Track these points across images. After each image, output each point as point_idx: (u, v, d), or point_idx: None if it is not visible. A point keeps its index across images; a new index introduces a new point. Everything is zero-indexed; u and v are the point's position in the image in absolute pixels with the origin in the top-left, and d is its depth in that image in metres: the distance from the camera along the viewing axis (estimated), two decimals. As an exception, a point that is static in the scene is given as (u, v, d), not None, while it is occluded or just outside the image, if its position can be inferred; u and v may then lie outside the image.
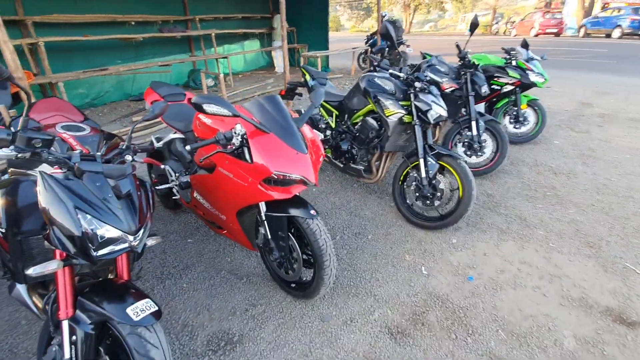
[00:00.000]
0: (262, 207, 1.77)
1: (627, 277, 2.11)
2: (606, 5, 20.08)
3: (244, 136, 1.64)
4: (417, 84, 2.39)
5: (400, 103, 2.51)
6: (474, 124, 3.29)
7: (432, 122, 2.41)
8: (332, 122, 3.06)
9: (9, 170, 1.40)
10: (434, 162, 2.43)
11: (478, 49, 15.93)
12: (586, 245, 2.41)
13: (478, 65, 3.30)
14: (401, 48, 10.08)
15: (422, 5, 33.80)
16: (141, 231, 1.23)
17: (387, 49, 9.99)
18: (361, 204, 3.01)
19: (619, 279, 2.10)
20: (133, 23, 6.85)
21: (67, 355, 1.16)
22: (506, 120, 4.33)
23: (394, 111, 2.48)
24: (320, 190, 3.25)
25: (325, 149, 3.08)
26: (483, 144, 3.35)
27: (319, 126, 3.17)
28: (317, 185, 1.79)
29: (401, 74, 2.44)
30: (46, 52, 5.40)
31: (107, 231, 1.14)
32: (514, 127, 4.31)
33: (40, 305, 1.43)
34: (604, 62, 10.68)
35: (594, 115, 5.42)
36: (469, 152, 3.39)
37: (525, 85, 4.08)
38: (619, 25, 17.00)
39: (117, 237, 1.16)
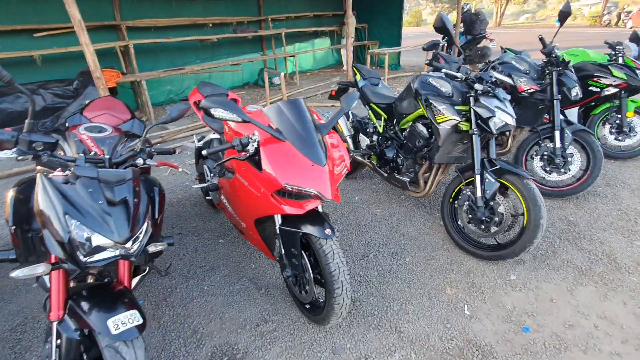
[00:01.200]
0: (277, 219, 1.63)
1: None
2: None
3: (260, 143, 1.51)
4: (478, 86, 2.01)
5: (458, 108, 2.14)
6: (557, 133, 2.70)
7: (494, 132, 2.01)
8: (380, 126, 2.79)
9: (37, 169, 1.48)
10: (492, 180, 2.02)
11: (582, 43, 13.85)
12: None
13: (568, 62, 2.69)
14: (483, 43, 9.13)
15: (518, -5, 30.23)
16: (133, 240, 1.18)
17: (466, 43, 9.12)
18: (406, 219, 2.69)
19: None
20: (211, 25, 7.29)
21: (53, 357, 1.16)
22: (606, 129, 3.54)
23: (447, 117, 2.13)
24: (363, 200, 3.00)
25: (370, 155, 2.84)
26: (569, 159, 2.74)
27: (367, 130, 2.92)
28: (338, 200, 1.58)
29: (458, 74, 2.07)
30: (135, 53, 6.04)
31: (96, 238, 1.11)
32: (616, 139, 3.49)
33: None
34: None
35: None
36: (548, 168, 2.81)
37: (633, 88, 3.28)
38: None
39: (106, 245, 1.13)
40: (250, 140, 1.53)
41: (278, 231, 1.63)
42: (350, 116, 3.10)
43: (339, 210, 2.85)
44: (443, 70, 2.15)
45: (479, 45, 8.91)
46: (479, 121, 2.06)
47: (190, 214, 2.88)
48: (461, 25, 9.13)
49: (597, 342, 1.63)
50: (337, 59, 10.85)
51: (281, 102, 1.61)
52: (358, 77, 3.03)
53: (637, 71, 3.23)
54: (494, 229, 2.07)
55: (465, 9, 9.14)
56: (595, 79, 3.46)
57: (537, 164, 2.87)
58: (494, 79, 2.08)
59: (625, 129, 3.41)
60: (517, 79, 2.84)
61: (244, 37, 7.67)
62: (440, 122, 2.17)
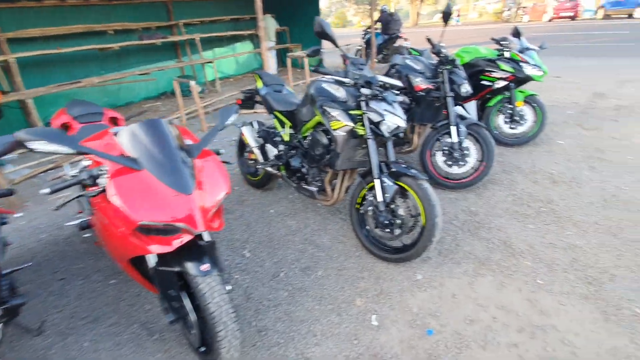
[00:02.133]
0: (150, 257, 1.41)
1: (635, 330, 1.63)
2: (627, -16, 18.75)
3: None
4: (365, 91, 1.97)
5: (353, 113, 2.09)
6: (453, 129, 2.83)
7: (386, 135, 1.99)
8: (286, 134, 2.67)
9: None
10: (390, 184, 2.01)
11: (484, 39, 15.22)
12: (584, 282, 1.93)
13: (454, 60, 2.82)
14: (399, 42, 9.58)
15: (430, -5, 32.59)
16: None
17: (384, 42, 9.50)
18: (321, 228, 2.61)
19: (625, 333, 1.63)
20: (112, 32, 6.62)
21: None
22: (500, 119, 3.83)
23: (341, 123, 2.07)
24: (279, 212, 2.87)
25: (279, 165, 2.71)
26: (465, 152, 2.88)
27: (274, 139, 2.78)
28: (218, 229, 1.42)
29: (346, 79, 2.03)
30: (22, 67, 5.24)
31: None
32: (510, 128, 3.80)
33: None
34: (625, 45, 9.84)
35: (608, 109, 4.81)
36: (449, 162, 2.93)
37: (520, 79, 3.58)
38: (642, 4, 15.81)
39: None
40: (100, 171, 1.30)
41: (153, 271, 1.42)
42: (256, 125, 2.94)
43: (253, 227, 2.68)
44: (329, 76, 2.08)
45: (395, 45, 9.32)
46: (371, 125, 2.03)
47: (78, 252, 2.49)
48: (379, 25, 9.52)
49: (496, 335, 1.68)
50: (261, 63, 10.61)
51: (136, 125, 1.39)
52: (259, 84, 2.88)
53: (522, 64, 3.53)
54: (397, 231, 2.06)
55: (383, 10, 9.54)
56: (487, 74, 3.72)
57: (440, 159, 2.97)
58: (381, 82, 2.06)
59: (517, 118, 3.72)
60: (413, 79, 2.92)
61: (152, 44, 7.08)
62: (335, 129, 2.10)
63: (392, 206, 2.05)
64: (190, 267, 1.33)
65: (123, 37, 6.89)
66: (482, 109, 3.98)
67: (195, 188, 1.31)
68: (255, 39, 10.15)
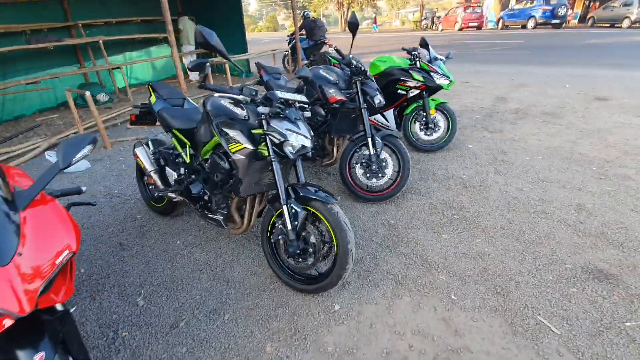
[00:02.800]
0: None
1: (540, 341, 1.67)
2: (520, -2, 21.47)
3: None
4: (263, 109, 1.77)
5: (255, 132, 1.88)
6: (369, 141, 2.77)
7: (291, 156, 1.81)
8: (186, 155, 2.36)
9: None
10: (299, 210, 1.83)
11: (413, 44, 16.14)
12: (493, 292, 1.96)
13: (365, 71, 2.77)
14: (325, 48, 9.65)
15: (355, 3, 34.00)
16: None
17: (310, 48, 9.49)
18: (233, 258, 2.35)
19: (531, 345, 1.65)
20: (-15, 34, 5.56)
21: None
22: (417, 127, 3.93)
23: (240, 145, 1.85)
24: (187, 243, 2.53)
25: (180, 191, 2.38)
26: (383, 164, 2.85)
27: (175, 161, 2.45)
28: (62, 300, 1.09)
29: (240, 96, 1.80)
30: None
31: None
32: (426, 134, 3.92)
33: None
34: (520, 52, 11.11)
35: (508, 112, 5.28)
36: (369, 175, 2.87)
37: (431, 88, 3.70)
38: (533, 16, 18.15)
39: None
40: None
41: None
42: (151, 146, 2.58)
43: (152, 265, 2.32)
44: (217, 94, 1.84)
45: (321, 51, 9.36)
46: (274, 147, 1.83)
47: None
48: (303, 31, 9.48)
49: (411, 364, 1.59)
50: (183, 68, 9.87)
51: None
52: (153, 98, 2.52)
53: (431, 73, 3.65)
54: (310, 260, 1.89)
55: (305, 16, 9.53)
56: (401, 83, 3.79)
57: (359, 171, 2.91)
58: (282, 98, 1.88)
59: (431, 125, 3.85)
60: (327, 90, 2.81)
61: (43, 48, 6.11)
62: (234, 152, 1.87)
63: (304, 233, 1.88)
64: (22, 355, 1.00)
65: (6, 42, 5.82)
66: (400, 117, 4.06)
67: (17, 254, 0.98)
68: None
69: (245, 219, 2.14)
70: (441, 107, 3.85)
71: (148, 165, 2.48)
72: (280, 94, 1.81)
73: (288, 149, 1.79)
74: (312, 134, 1.96)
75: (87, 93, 4.21)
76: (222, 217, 2.17)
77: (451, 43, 15.15)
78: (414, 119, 3.93)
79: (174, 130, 2.39)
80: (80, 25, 6.94)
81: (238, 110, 1.93)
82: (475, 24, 20.93)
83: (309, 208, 1.86)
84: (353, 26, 2.63)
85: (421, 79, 3.65)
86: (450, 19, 22.46)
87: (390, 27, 40.90)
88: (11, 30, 5.88)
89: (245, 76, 1.86)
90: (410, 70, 3.70)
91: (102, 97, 6.87)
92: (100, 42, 6.86)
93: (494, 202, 2.84)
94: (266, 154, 1.87)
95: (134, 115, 2.71)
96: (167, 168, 2.48)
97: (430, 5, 36.66)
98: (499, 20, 20.69)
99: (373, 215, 2.75)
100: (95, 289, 2.14)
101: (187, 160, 2.35)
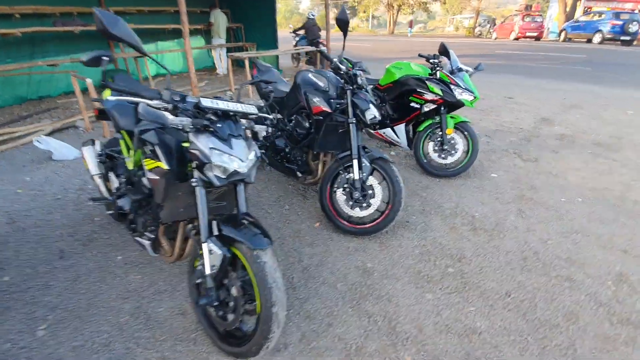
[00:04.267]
0: None
1: None
2: (588, 9, 19.47)
3: None
4: (182, 121, 1.38)
5: (185, 144, 1.50)
6: (355, 163, 2.30)
7: (217, 183, 1.40)
8: (130, 162, 2.02)
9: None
10: (218, 252, 1.42)
11: (458, 51, 15.25)
12: (471, 396, 1.43)
13: (357, 79, 2.30)
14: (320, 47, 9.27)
15: (405, 6, 32.88)
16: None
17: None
18: (168, 288, 1.98)
19: None
20: (18, 16, 5.69)
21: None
22: (430, 147, 3.37)
23: (156, 162, 1.48)
24: (128, 260, 2.21)
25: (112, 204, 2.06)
26: (369, 192, 2.36)
27: (120, 167, 2.15)
28: None
29: (154, 101, 1.41)
30: None
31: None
32: (440, 157, 3.34)
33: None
34: (579, 68, 9.89)
35: (551, 137, 4.51)
36: (352, 203, 2.40)
37: (450, 103, 3.13)
38: (600, 30, 16.34)
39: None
40: None
41: None
42: (98, 147, 2.29)
43: (77, 284, 2.01)
44: (129, 97, 1.46)
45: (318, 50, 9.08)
46: (196, 169, 1.43)
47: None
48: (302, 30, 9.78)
49: None
50: (212, 62, 9.84)
51: None
52: (107, 92, 2.22)
53: (452, 87, 3.09)
54: (230, 316, 1.48)
55: (309, 16, 9.76)
56: (416, 95, 3.26)
57: (341, 198, 2.44)
58: (211, 108, 1.46)
59: (447, 147, 3.28)
60: (312, 99, 2.38)
61: (72, 32, 6.21)
62: (150, 169, 1.50)
63: (225, 281, 1.47)
64: None
65: (36, 22, 5.98)
66: (414, 133, 3.53)
67: None
68: (207, 35, 9.39)
69: (176, 248, 1.77)
70: (461, 127, 3.26)
71: (92, 168, 2.21)
72: (207, 101, 1.41)
73: (211, 174, 1.39)
74: (257, 154, 1.54)
75: (88, 80, 4.09)
76: (149, 242, 1.81)
77: (501, 53, 13.98)
78: (427, 138, 3.37)
79: (122, 131, 2.08)
80: (110, 12, 7.01)
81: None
82: (534, 34, 19.26)
83: (234, 250, 1.45)
84: (342, 23, 2.16)
85: (439, 92, 3.10)
86: (506, 27, 20.90)
87: (442, 32, 39.22)
88: (40, 12, 5.99)
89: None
90: (427, 81, 3.16)
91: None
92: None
93: (506, 256, 2.26)
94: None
95: (97, 110, 2.44)
96: (110, 173, 2.18)
97: (488, 12, 34.65)
98: (561, 31, 18.87)
99: (349, 253, 2.28)
100: (6, 305, 1.88)
101: (130, 167, 2.02)
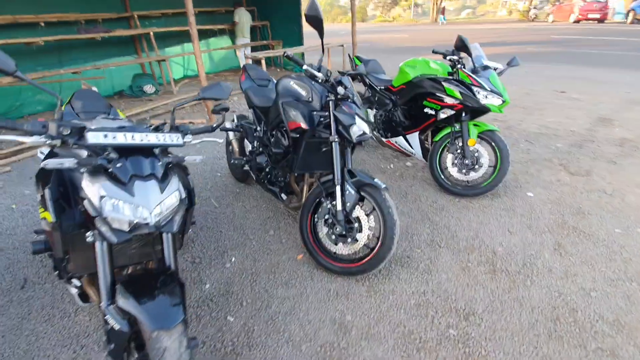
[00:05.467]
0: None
1: None
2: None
3: None
4: (85, 178, 1.11)
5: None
6: (337, 189, 1.89)
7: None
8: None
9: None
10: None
11: (504, 38, 13.86)
12: None
13: (337, 86, 1.86)
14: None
15: (450, -9, 30.76)
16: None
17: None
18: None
19: None
20: (42, 24, 5.88)
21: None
22: (449, 160, 2.85)
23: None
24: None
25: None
26: (355, 225, 1.94)
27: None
28: None
29: (31, 138, 1.13)
30: None
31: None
32: (460, 172, 2.81)
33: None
34: (651, 55, 8.45)
35: (609, 142, 3.72)
36: (333, 237, 2.00)
37: (473, 109, 2.60)
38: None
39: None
40: None
41: None
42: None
43: (16, 331, 1.84)
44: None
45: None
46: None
47: None
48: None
49: None
50: (237, 63, 9.73)
51: None
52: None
53: (474, 88, 2.55)
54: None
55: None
56: (430, 99, 2.76)
57: (323, 229, 2.04)
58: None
59: (469, 160, 2.73)
60: (288, 112, 2.00)
61: (96, 38, 6.32)
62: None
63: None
64: None
65: (62, 30, 6.16)
66: (432, 142, 3.02)
67: None
68: (233, 35, 9.29)
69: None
70: (487, 136, 2.70)
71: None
72: (94, 136, 1.09)
73: (105, 229, 1.09)
74: (181, 196, 1.23)
75: (94, 88, 4.04)
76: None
77: (557, 39, 12.47)
78: (445, 149, 2.85)
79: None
80: (135, 16, 7.09)
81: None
82: (597, 15, 17.05)
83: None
84: (313, 20, 1.73)
85: (457, 95, 2.57)
86: (564, 8, 18.75)
87: (492, 17, 36.44)
88: (65, 20, 6.15)
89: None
90: (444, 83, 2.64)
91: (149, 88, 6.99)
92: (151, 33, 6.92)
93: (531, 314, 1.74)
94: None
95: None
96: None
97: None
98: (629, 12, 16.48)
99: (327, 299, 1.89)
100: (-54, 345, 1.74)
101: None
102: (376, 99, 3.38)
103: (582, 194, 2.79)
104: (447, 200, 2.80)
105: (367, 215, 1.93)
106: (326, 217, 1.97)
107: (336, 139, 1.87)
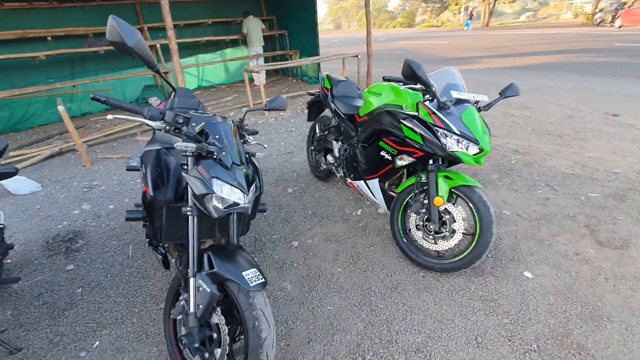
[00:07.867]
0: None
1: None
2: None
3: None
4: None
5: None
6: (191, 284, 1.31)
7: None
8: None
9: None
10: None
11: (557, 45, 12.21)
12: None
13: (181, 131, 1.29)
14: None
15: (504, -7, 28.56)
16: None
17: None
18: None
19: None
20: (50, 38, 5.96)
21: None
22: (413, 221, 2.14)
23: None
24: None
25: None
26: (208, 333, 1.34)
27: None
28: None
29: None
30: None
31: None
32: (425, 238, 2.09)
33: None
34: None
35: (666, 196, 2.72)
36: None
37: (437, 157, 1.90)
38: None
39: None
40: None
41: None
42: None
43: None
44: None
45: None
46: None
47: None
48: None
49: None
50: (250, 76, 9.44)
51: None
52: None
53: (438, 130, 1.84)
54: None
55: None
56: (386, 139, 2.09)
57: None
58: None
59: (434, 225, 2.01)
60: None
61: (95, 52, 6.27)
62: None
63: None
64: None
65: (71, 44, 6.24)
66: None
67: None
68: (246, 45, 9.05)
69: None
70: (463, 193, 1.95)
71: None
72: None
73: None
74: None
75: (60, 107, 3.83)
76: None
77: (620, 47, 10.70)
78: (407, 205, 2.14)
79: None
80: (145, 28, 7.05)
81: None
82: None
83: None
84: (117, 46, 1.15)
85: (418, 139, 1.88)
86: (634, 12, 16.32)
87: (555, 20, 33.33)
88: (74, 33, 6.21)
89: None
90: (403, 121, 1.96)
91: (154, 100, 6.86)
92: (157, 46, 6.82)
93: None
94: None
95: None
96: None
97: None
98: None
99: None
100: None
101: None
102: (342, 129, 2.75)
103: (608, 281, 1.93)
104: (408, 273, 2.09)
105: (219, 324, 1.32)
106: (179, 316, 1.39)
107: (189, 211, 1.30)
